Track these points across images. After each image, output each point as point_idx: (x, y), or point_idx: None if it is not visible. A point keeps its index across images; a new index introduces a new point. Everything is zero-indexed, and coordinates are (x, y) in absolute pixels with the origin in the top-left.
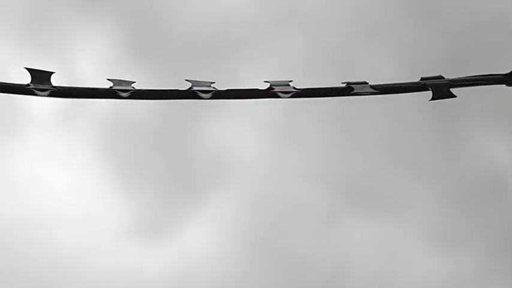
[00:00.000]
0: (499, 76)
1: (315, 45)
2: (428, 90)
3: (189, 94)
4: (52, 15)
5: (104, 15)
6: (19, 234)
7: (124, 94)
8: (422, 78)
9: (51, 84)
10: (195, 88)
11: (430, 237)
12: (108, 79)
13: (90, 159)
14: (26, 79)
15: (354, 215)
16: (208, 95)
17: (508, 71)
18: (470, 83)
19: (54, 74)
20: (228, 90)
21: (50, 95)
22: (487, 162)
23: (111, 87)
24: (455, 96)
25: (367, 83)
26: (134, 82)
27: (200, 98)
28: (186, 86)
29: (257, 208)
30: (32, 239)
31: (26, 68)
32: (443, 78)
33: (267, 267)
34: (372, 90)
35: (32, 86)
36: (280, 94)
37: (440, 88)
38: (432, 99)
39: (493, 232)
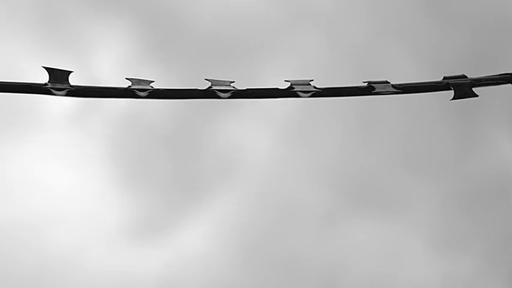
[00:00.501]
0: (508, 75)
1: (335, 44)
2: (450, 89)
3: (208, 93)
4: (70, 13)
5: (123, 14)
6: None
7: (142, 94)
8: (444, 78)
9: (69, 83)
10: (214, 87)
11: (433, 239)
12: (126, 78)
13: (99, 160)
14: (43, 78)
15: (357, 215)
16: (228, 95)
17: None
18: (494, 82)
19: (72, 74)
20: (247, 89)
21: (67, 95)
22: (498, 164)
23: (129, 86)
24: (477, 96)
25: (389, 82)
26: (153, 81)
27: (219, 97)
28: (204, 85)
29: (258, 209)
30: (32, 239)
31: (44, 67)
32: (466, 77)
33: (266, 268)
34: (394, 90)
35: (49, 85)
36: (300, 93)
37: (462, 87)
38: (454, 98)
39: (498, 235)
